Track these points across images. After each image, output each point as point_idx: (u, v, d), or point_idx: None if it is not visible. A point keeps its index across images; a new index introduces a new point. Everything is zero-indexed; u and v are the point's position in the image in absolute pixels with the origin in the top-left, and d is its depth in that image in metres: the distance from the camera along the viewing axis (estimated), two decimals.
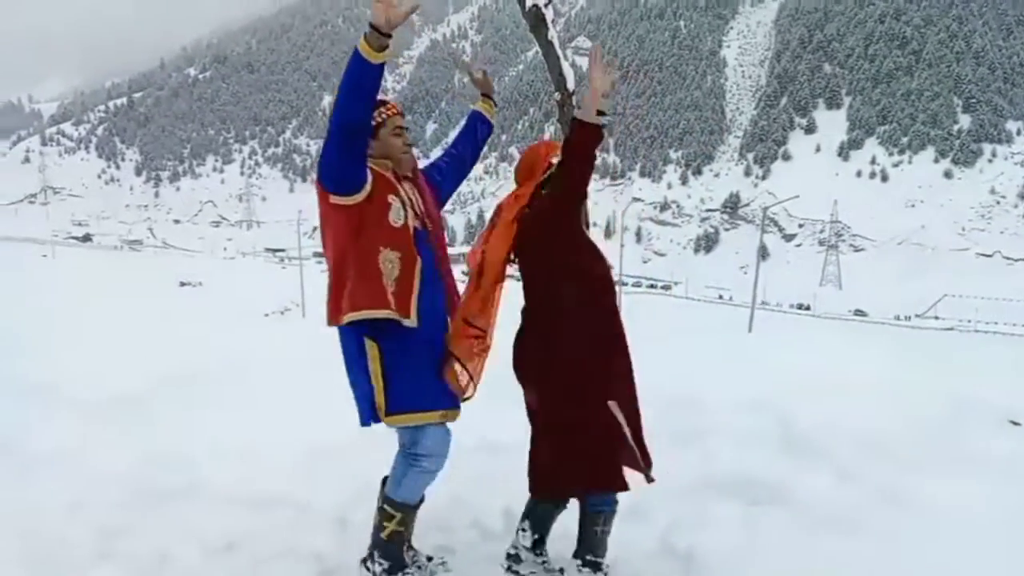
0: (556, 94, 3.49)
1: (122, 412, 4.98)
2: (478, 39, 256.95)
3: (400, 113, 2.93)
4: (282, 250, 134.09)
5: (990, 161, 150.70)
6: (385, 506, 2.89)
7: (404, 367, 2.79)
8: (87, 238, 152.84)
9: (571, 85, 3.50)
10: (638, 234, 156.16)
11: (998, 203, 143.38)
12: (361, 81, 2.62)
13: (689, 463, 3.88)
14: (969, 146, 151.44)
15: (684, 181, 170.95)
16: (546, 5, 3.44)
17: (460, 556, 3.05)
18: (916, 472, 3.80)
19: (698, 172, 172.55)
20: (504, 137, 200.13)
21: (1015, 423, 4.70)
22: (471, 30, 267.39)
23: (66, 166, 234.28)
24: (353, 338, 2.81)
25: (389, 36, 2.63)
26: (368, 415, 2.84)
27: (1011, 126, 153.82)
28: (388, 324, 2.75)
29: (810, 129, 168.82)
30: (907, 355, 11.83)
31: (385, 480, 2.97)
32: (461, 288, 2.97)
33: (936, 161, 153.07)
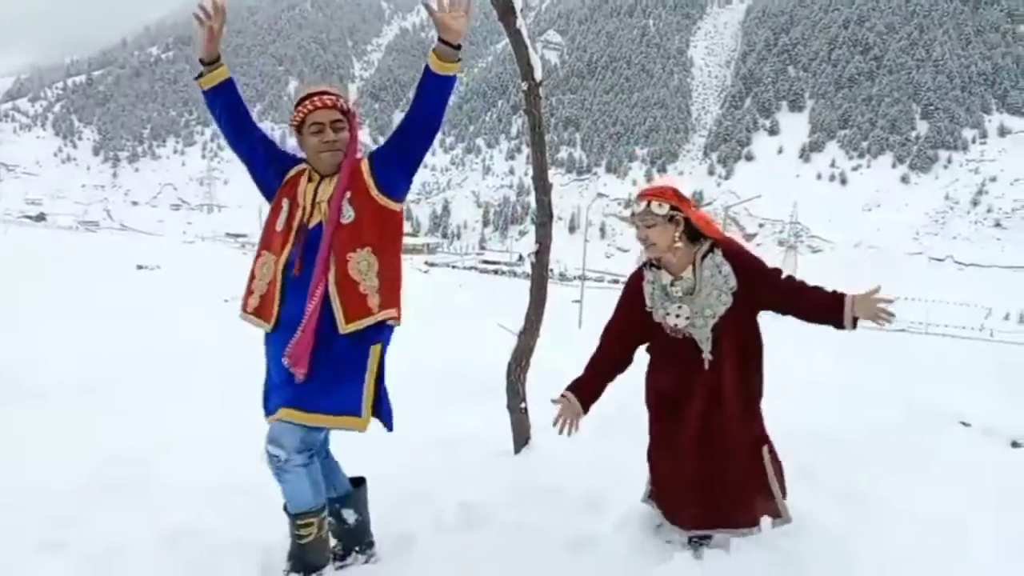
0: (523, 84, 3.47)
1: (72, 399, 4.87)
2: None
3: (328, 106, 2.73)
4: (243, 235, 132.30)
5: (945, 167, 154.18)
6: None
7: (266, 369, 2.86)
8: (41, 217, 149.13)
9: (538, 75, 3.48)
10: (602, 230, 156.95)
11: (951, 209, 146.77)
12: (446, 98, 2.66)
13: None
14: (926, 152, 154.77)
15: (649, 178, 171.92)
16: None
17: (418, 549, 3.04)
18: (869, 472, 3.87)
19: (663, 170, 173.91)
20: (472, 128, 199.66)
21: (965, 424, 4.81)
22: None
23: (21, 143, 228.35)
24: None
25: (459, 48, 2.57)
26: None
27: (967, 134, 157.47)
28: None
29: (773, 131, 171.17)
30: (861, 357, 12.04)
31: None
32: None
33: (894, 166, 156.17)
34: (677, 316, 2.88)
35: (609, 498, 3.49)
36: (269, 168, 2.88)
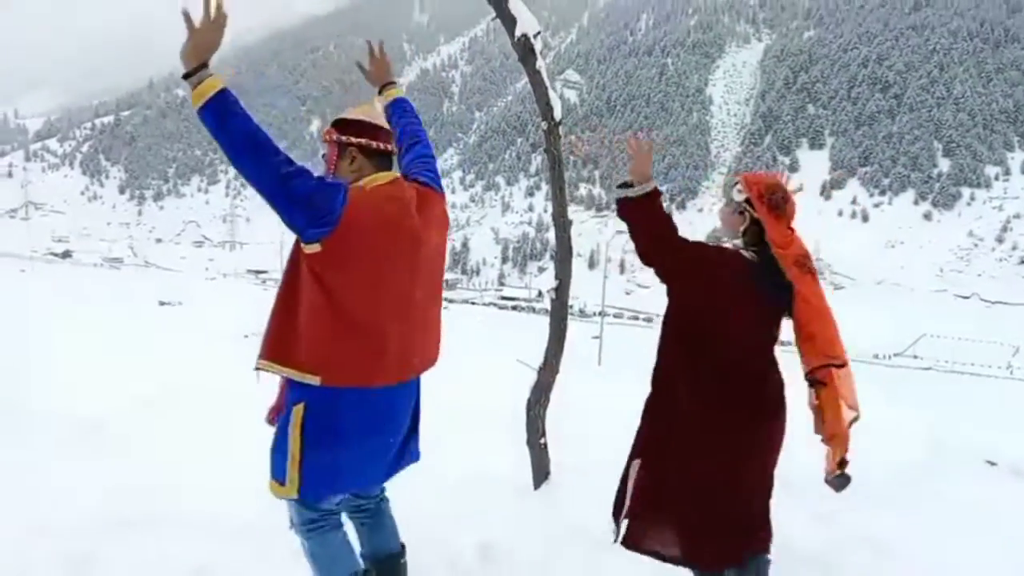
0: (543, 123, 3.50)
1: (91, 434, 4.88)
2: (468, 69, 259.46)
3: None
4: (264, 271, 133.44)
5: (968, 204, 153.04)
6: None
7: None
8: (67, 254, 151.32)
9: (558, 115, 3.51)
10: (622, 266, 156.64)
11: (976, 246, 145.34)
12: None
13: None
14: (948, 189, 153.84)
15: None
16: (535, 36, 3.44)
17: None
18: (892, 513, 3.79)
19: (682, 206, 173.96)
20: (491, 166, 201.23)
21: (991, 463, 4.70)
22: (461, 60, 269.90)
23: (49, 182, 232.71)
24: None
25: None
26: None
27: (989, 171, 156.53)
28: None
29: (793, 168, 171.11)
30: (885, 394, 11.88)
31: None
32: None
33: (916, 203, 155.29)
34: None
35: None
36: None
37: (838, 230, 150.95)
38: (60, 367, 6.29)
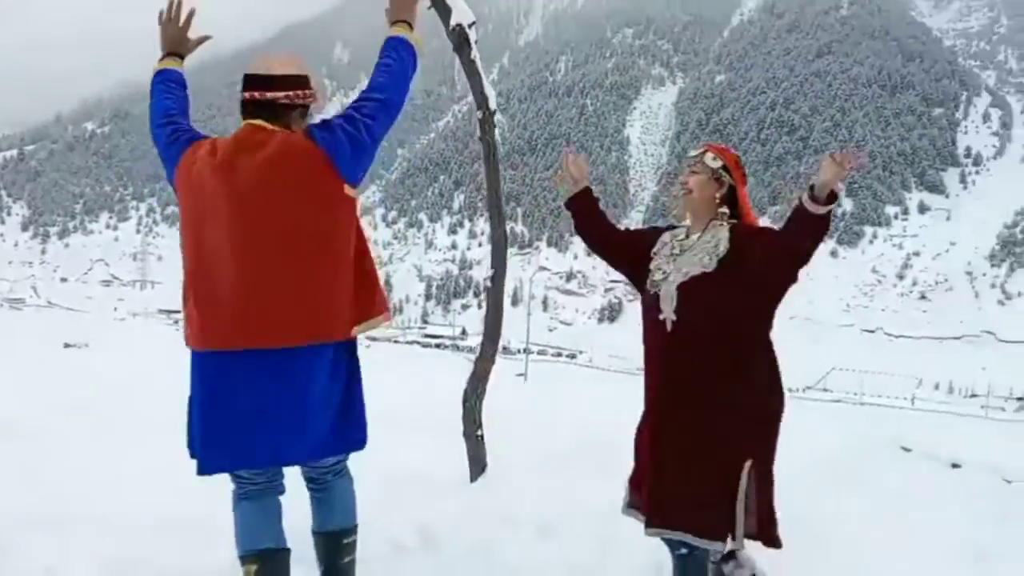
0: (478, 112, 3.55)
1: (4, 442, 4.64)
2: None
3: None
4: (176, 311, 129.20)
5: (871, 242, 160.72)
6: (354, 538, 2.71)
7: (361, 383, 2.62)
8: None
9: (492, 104, 3.58)
10: (544, 303, 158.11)
11: (879, 282, 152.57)
12: (411, 79, 2.61)
13: (607, 490, 3.90)
14: (852, 228, 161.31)
15: (589, 253, 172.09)
16: (470, 26, 3.48)
17: (375, 572, 2.95)
18: (806, 496, 3.90)
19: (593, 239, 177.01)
20: (414, 203, 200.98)
21: (905, 449, 4.91)
22: None
23: None
24: (350, 350, 2.56)
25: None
26: (366, 437, 2.60)
27: (890, 210, 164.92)
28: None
29: None
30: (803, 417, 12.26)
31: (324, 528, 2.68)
32: None
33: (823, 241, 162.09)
34: (659, 269, 2.72)
35: (563, 523, 3.48)
36: None
37: None
38: None
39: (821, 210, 2.57)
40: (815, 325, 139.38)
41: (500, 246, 3.81)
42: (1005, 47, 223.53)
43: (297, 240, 2.38)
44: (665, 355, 2.63)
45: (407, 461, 4.08)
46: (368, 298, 2.54)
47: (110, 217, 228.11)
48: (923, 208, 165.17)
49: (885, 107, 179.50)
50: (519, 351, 72.20)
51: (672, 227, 2.87)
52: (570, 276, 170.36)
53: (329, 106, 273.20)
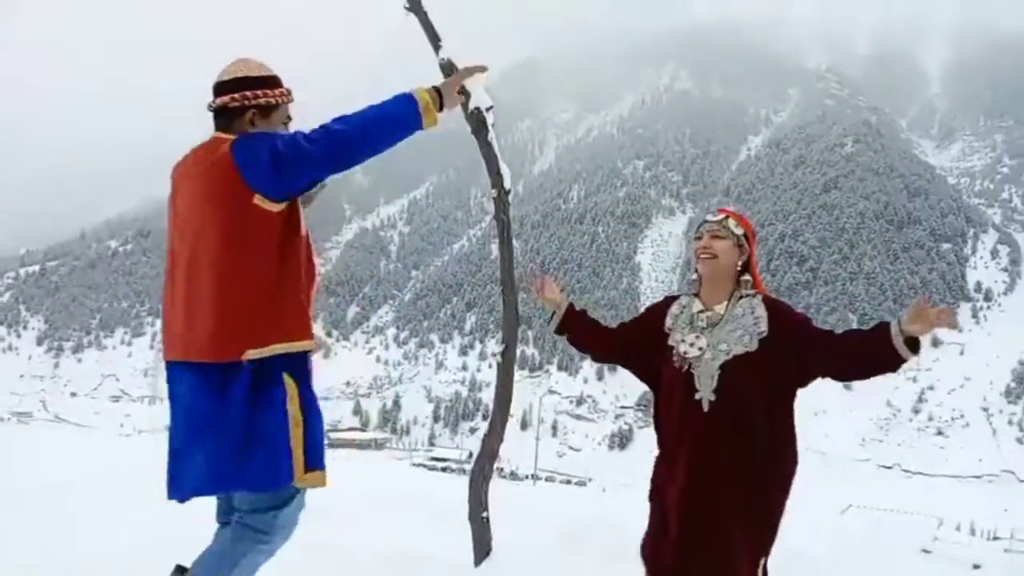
0: (493, 191, 3.66)
1: None
2: (407, 230, 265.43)
3: (291, 100, 2.54)
4: None
5: (884, 375, 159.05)
6: None
7: (317, 410, 2.40)
8: None
9: (507, 184, 3.68)
10: (554, 427, 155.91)
11: (894, 416, 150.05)
12: (401, 133, 2.43)
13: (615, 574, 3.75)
14: None
15: (600, 377, 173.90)
16: (487, 110, 3.63)
17: None
18: None
19: (613, 369, 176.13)
20: (426, 323, 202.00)
21: (926, 551, 4.72)
22: (400, 221, 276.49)
23: None
24: (255, 376, 2.32)
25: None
26: (278, 475, 2.30)
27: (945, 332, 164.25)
28: (301, 356, 2.39)
29: None
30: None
31: (181, 570, 2.39)
32: None
33: None
34: (691, 344, 2.59)
35: None
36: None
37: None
38: None
39: (906, 352, 2.42)
40: (830, 459, 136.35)
41: (511, 320, 3.84)
42: (1009, 186, 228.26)
43: (198, 253, 2.33)
44: (700, 436, 2.52)
45: (409, 542, 3.96)
46: (283, 321, 2.34)
47: (125, 333, 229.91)
48: (936, 342, 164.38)
49: (893, 241, 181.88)
50: (527, 477, 70.65)
51: (674, 297, 2.81)
52: (580, 400, 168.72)
53: (347, 229, 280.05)
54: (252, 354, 2.29)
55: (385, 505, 4.23)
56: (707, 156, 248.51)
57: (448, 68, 3.70)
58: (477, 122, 3.74)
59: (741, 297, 2.65)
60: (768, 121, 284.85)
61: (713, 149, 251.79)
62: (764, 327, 2.54)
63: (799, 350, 2.52)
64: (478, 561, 3.85)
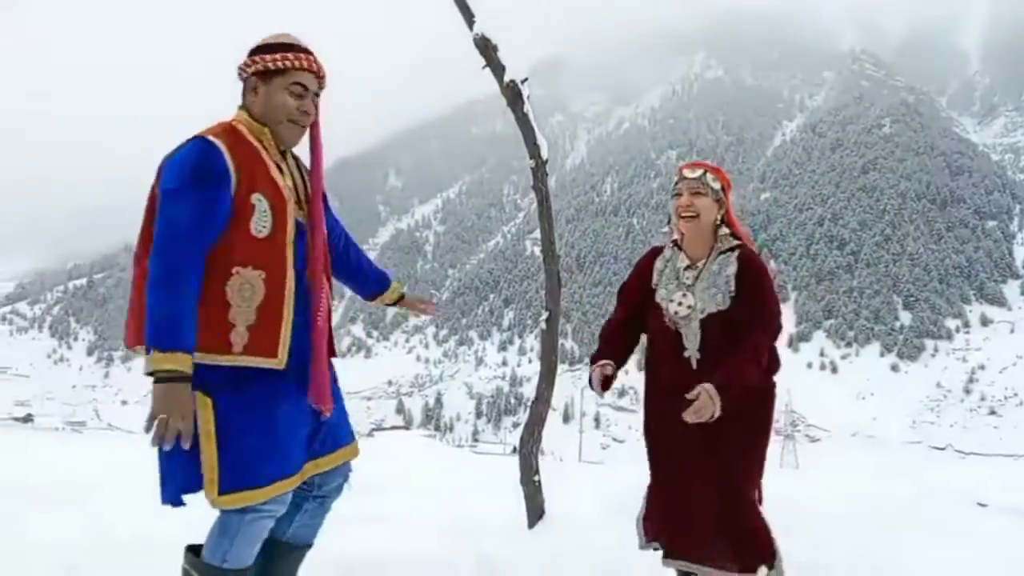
0: (531, 161, 3.74)
1: None
2: (441, 229, 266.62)
3: (312, 71, 2.33)
4: None
5: (933, 356, 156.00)
6: None
7: (248, 429, 2.17)
8: (28, 419, 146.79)
9: (544, 154, 3.76)
10: (596, 420, 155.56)
11: (945, 397, 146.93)
12: (149, 315, 2.12)
13: None
14: (912, 341, 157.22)
15: (641, 368, 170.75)
16: (523, 82, 3.71)
17: None
18: (888, 541, 3.77)
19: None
20: (464, 320, 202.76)
21: (982, 505, 4.70)
22: (435, 221, 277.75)
23: (16, 345, 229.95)
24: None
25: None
26: (177, 488, 2.17)
27: (950, 323, 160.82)
28: (231, 370, 2.17)
29: None
30: None
31: (194, 549, 2.32)
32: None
33: (882, 355, 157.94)
34: (679, 304, 2.65)
35: (630, 563, 3.40)
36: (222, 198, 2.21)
37: (809, 383, 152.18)
38: None
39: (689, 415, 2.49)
40: (880, 442, 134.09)
41: (554, 288, 3.91)
42: None
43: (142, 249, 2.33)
44: (684, 388, 2.55)
45: (465, 509, 4.07)
46: (204, 330, 2.14)
47: None
48: (985, 321, 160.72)
49: (936, 220, 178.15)
50: None
51: (659, 248, 2.83)
52: (622, 392, 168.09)
53: (383, 231, 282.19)
54: (141, 351, 2.23)
55: (439, 478, 4.34)
56: (741, 143, 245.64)
57: (482, 43, 3.79)
58: (513, 94, 3.83)
59: (720, 253, 2.68)
60: (803, 105, 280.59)
61: (747, 136, 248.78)
62: (734, 285, 2.60)
63: (738, 314, 2.60)
64: (532, 523, 3.94)
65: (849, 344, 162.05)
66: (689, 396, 2.42)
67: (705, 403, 2.40)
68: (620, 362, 2.86)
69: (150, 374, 2.04)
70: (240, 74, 2.35)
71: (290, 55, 2.30)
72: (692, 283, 2.65)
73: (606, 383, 2.81)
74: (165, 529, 3.63)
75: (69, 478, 5.20)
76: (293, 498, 2.37)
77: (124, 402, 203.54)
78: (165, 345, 2.01)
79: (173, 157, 2.20)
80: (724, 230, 2.71)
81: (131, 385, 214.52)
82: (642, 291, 2.82)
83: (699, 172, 2.73)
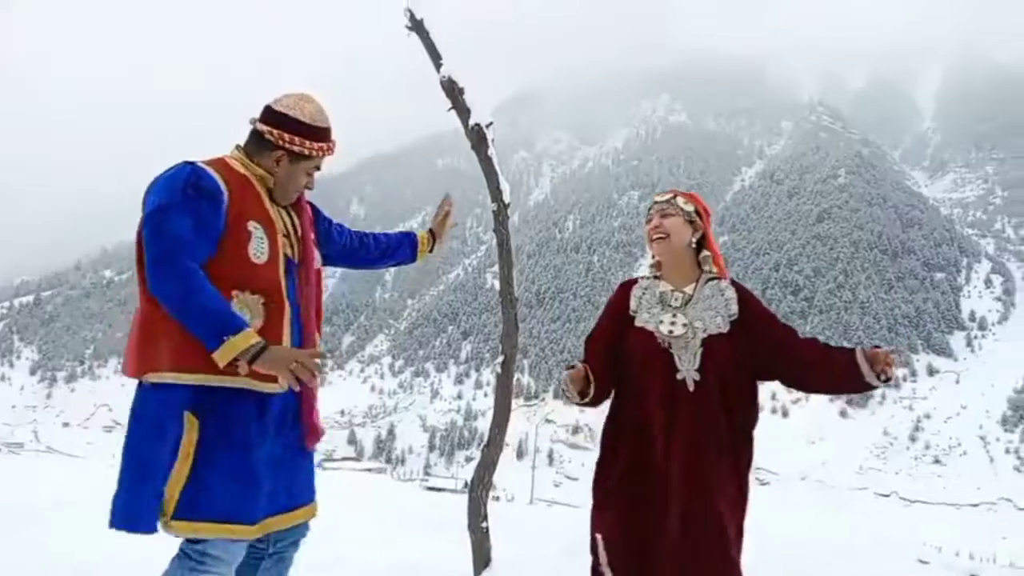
0: (492, 205, 3.74)
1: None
2: None
3: (331, 153, 2.40)
4: None
5: (880, 403, 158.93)
6: None
7: (223, 465, 2.14)
8: None
9: (507, 198, 3.76)
10: (550, 456, 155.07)
11: (891, 444, 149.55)
12: (200, 333, 2.08)
13: None
14: None
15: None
16: (487, 126, 3.72)
17: None
18: None
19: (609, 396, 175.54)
20: (421, 352, 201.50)
21: (923, 562, 4.76)
22: None
23: None
24: (161, 403, 2.17)
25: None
26: (128, 513, 2.09)
27: (898, 372, 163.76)
28: (224, 394, 2.16)
29: None
30: None
31: None
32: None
33: (832, 401, 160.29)
34: (672, 324, 2.52)
35: None
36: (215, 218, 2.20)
37: (760, 426, 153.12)
38: None
39: (874, 380, 2.42)
40: (827, 488, 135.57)
41: (511, 331, 3.90)
42: (1002, 216, 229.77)
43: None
44: (683, 415, 2.46)
45: (410, 556, 3.98)
46: (200, 348, 2.11)
47: (119, 362, 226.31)
48: (932, 371, 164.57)
49: (887, 270, 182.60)
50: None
51: (632, 281, 2.73)
52: (576, 429, 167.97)
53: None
54: (152, 377, 2.20)
55: (385, 521, 4.25)
56: (701, 187, 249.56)
57: (449, 85, 3.80)
58: (477, 137, 3.83)
59: (709, 279, 2.61)
60: (762, 153, 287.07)
61: (707, 180, 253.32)
62: (735, 308, 2.51)
63: (767, 339, 2.50)
64: (477, 572, 3.87)
65: None
66: (883, 350, 2.38)
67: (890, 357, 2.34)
68: (599, 373, 2.62)
69: (237, 358, 2.05)
70: (265, 135, 2.32)
71: (327, 146, 2.36)
72: (681, 305, 2.53)
73: (580, 382, 2.58)
74: (104, 561, 3.50)
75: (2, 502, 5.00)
76: (249, 558, 2.29)
77: (66, 424, 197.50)
78: (232, 329, 2.02)
79: (159, 179, 2.19)
80: (705, 253, 2.64)
81: (73, 407, 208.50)
82: (617, 323, 2.66)
83: (669, 196, 2.69)
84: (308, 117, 2.31)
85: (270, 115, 2.32)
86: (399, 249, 2.90)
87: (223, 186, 2.18)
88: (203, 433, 2.14)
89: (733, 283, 2.61)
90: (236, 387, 2.16)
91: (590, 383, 2.58)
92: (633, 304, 2.64)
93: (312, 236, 2.46)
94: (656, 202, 2.72)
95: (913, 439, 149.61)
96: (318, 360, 2.11)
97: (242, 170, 2.30)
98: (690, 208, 2.64)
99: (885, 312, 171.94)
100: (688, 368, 2.46)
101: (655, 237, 2.62)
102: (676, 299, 2.56)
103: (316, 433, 2.36)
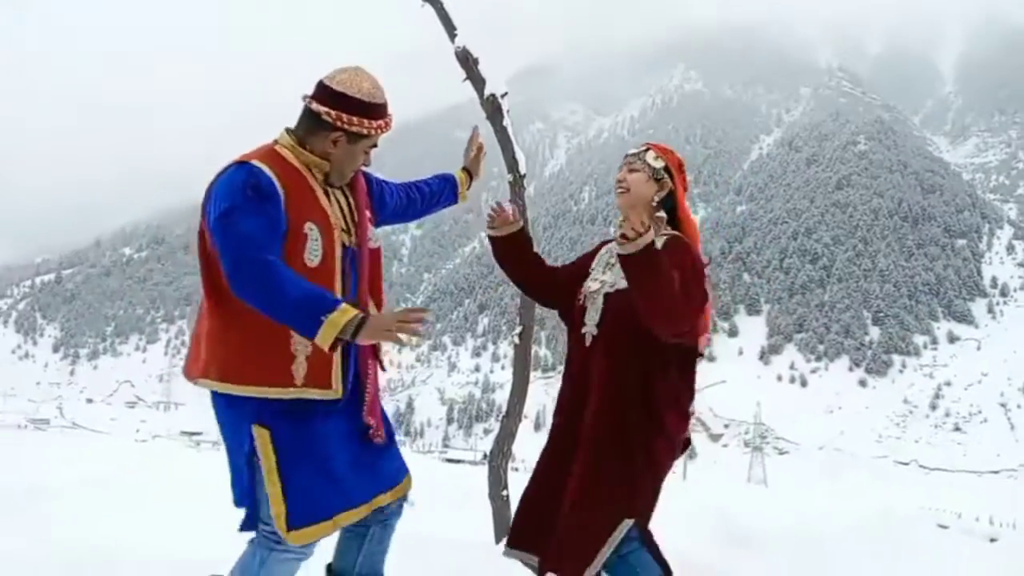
0: (509, 175, 3.73)
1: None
2: (418, 233, 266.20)
3: (389, 130, 2.34)
4: (199, 433, 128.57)
5: (900, 372, 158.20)
6: None
7: (308, 462, 2.17)
8: None
9: (523, 169, 3.75)
10: None
11: (911, 412, 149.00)
12: (295, 325, 2.08)
13: None
14: (880, 357, 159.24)
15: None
16: (502, 96, 3.70)
17: None
18: (850, 565, 3.79)
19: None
20: (439, 326, 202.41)
21: (943, 527, 4.76)
22: (412, 224, 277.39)
23: None
24: (231, 414, 2.21)
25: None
26: (252, 521, 2.23)
27: (918, 340, 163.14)
28: (288, 401, 2.17)
29: (732, 332, 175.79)
30: None
31: None
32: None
33: (851, 369, 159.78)
34: (595, 280, 2.52)
35: None
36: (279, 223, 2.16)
37: (778, 395, 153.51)
38: None
39: (629, 248, 2.20)
40: (846, 456, 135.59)
41: (529, 303, 3.90)
42: None
43: (204, 284, 2.27)
44: (578, 371, 2.46)
45: (431, 523, 4.03)
46: (258, 359, 2.15)
47: (140, 339, 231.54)
48: (952, 338, 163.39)
49: (907, 238, 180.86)
50: None
51: (609, 240, 2.66)
52: None
53: None
54: (203, 383, 2.23)
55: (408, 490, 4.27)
56: (719, 156, 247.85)
57: (463, 56, 3.78)
58: (492, 108, 3.82)
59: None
60: (780, 120, 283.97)
61: (725, 149, 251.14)
62: None
63: None
64: (499, 538, 3.92)
65: (819, 358, 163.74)
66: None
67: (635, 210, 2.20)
68: (523, 243, 2.77)
69: (339, 337, 2.00)
70: (322, 115, 2.22)
71: (384, 122, 2.30)
72: (615, 263, 2.43)
73: (505, 220, 2.70)
74: (127, 540, 3.56)
75: (26, 480, 5.09)
76: (356, 528, 2.37)
77: (89, 400, 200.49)
78: (327, 308, 1.98)
79: (218, 182, 2.16)
80: (660, 213, 2.52)
81: (96, 383, 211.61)
82: (577, 269, 2.68)
83: (641, 149, 2.57)
84: (366, 95, 2.24)
85: (326, 94, 2.22)
86: (442, 194, 2.92)
87: (279, 187, 2.14)
88: (278, 444, 2.14)
89: (671, 239, 2.47)
90: (275, 397, 2.16)
91: (523, 236, 2.73)
92: (594, 263, 2.62)
93: (368, 215, 2.42)
94: (627, 154, 2.59)
95: (933, 407, 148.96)
96: (419, 316, 2.08)
97: (295, 162, 2.24)
98: (659, 164, 2.51)
99: (905, 280, 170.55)
100: (590, 324, 2.44)
101: (618, 190, 2.54)
102: (613, 258, 2.49)
103: (378, 430, 2.37)
